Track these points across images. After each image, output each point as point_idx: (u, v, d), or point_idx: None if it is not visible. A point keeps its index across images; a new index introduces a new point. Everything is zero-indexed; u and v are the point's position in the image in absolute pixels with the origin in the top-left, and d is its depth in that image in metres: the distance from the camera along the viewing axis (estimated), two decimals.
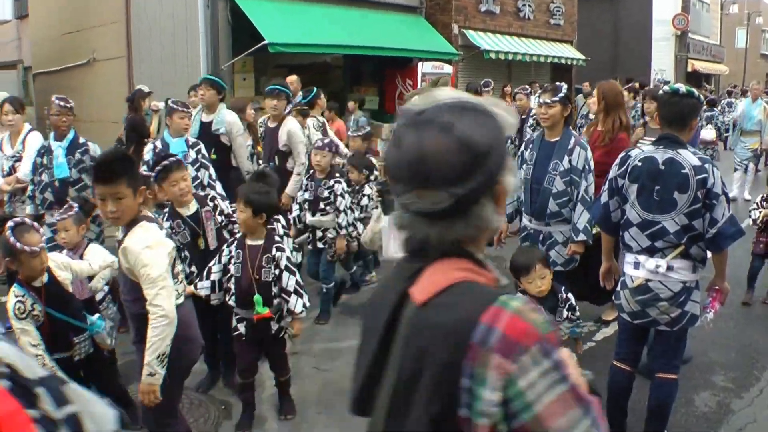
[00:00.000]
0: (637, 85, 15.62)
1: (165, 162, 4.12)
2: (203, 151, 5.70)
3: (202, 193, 4.53)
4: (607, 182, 3.70)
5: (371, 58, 13.57)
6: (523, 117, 9.21)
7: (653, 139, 3.82)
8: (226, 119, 6.39)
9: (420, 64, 13.61)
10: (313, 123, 7.38)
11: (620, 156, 3.70)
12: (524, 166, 4.69)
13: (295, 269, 3.98)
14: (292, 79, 8.42)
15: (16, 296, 3.42)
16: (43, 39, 16.76)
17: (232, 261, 3.95)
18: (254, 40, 10.69)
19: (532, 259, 3.66)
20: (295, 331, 4.01)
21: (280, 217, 4.72)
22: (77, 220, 4.32)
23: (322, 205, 5.65)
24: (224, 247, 4.07)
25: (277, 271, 3.88)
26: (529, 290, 3.62)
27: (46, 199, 5.37)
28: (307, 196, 5.74)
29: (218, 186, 5.62)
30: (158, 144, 5.77)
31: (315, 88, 7.89)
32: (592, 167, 4.52)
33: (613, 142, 4.86)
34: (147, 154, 5.81)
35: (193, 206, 4.24)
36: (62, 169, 5.33)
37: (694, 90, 3.60)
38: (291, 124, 6.46)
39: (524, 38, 17.30)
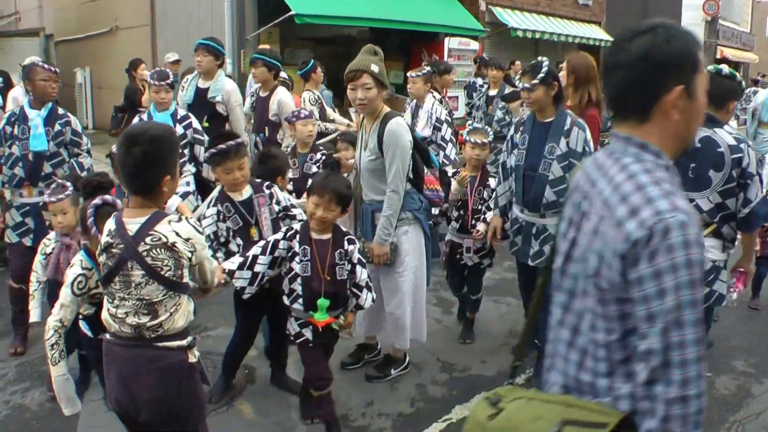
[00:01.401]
0: None
1: (222, 146, 3.65)
2: (195, 124, 5.37)
3: (257, 180, 3.94)
4: None
5: (397, 32, 13.49)
6: None
7: None
8: (224, 87, 6.08)
9: (446, 39, 13.58)
10: (309, 97, 7.00)
11: None
12: (515, 152, 4.24)
13: (365, 261, 3.68)
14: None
15: (83, 268, 2.99)
16: (65, 6, 16.83)
17: (297, 259, 3.45)
18: (280, 11, 10.69)
19: None
20: (346, 323, 3.63)
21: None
22: (74, 201, 3.84)
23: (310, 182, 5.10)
24: (280, 239, 3.49)
25: (350, 266, 3.53)
26: None
27: (15, 174, 4.64)
28: (291, 175, 5.00)
29: None
30: (144, 118, 5.30)
31: (312, 60, 7.43)
32: (593, 149, 4.05)
33: (582, 118, 4.28)
34: None
35: (247, 191, 3.79)
36: (40, 141, 4.62)
37: (737, 73, 3.65)
38: (282, 94, 6.36)
39: (552, 17, 17.17)
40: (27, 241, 4.69)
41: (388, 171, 3.88)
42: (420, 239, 4.10)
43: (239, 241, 3.75)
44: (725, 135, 3.47)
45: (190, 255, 2.50)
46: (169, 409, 2.57)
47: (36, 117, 4.60)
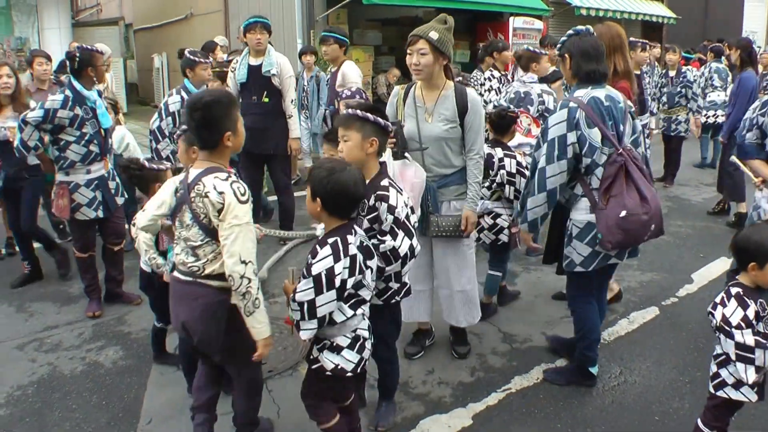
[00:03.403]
0: (728, 46, 14.77)
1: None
2: None
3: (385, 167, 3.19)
4: (747, 120, 3.81)
5: (463, 12, 13.13)
6: (672, 76, 8.93)
7: None
8: (277, 60, 6.03)
9: (511, 18, 13.24)
10: (498, 77, 6.94)
11: (764, 99, 3.64)
12: None
13: (314, 298, 2.51)
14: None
15: None
16: None
17: None
18: None
19: None
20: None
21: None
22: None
23: None
24: None
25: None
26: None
27: (91, 151, 4.65)
28: None
29: None
30: (184, 95, 5.32)
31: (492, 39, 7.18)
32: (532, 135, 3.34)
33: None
34: (173, 105, 5.34)
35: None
36: (107, 119, 4.76)
37: None
38: (345, 66, 6.50)
39: None
40: (100, 214, 4.72)
41: (473, 138, 3.69)
42: None
43: None
44: None
45: (220, 207, 2.53)
46: (211, 340, 2.69)
47: (97, 98, 4.71)
